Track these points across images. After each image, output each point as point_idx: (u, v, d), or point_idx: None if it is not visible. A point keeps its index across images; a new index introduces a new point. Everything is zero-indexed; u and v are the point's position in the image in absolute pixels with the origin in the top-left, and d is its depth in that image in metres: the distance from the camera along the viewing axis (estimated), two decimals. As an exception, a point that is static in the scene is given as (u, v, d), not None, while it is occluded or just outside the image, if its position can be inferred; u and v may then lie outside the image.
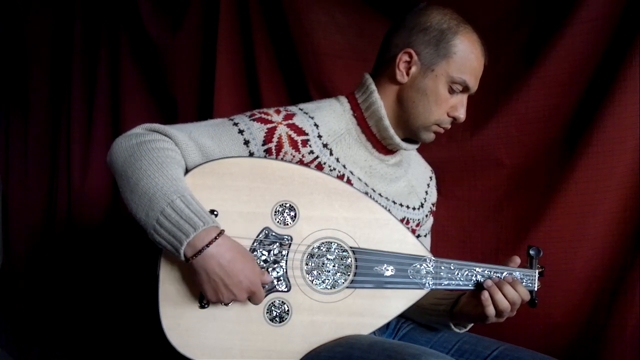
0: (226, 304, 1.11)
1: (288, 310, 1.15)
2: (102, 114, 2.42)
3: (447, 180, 1.80)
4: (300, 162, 1.21)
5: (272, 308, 1.14)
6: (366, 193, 1.25)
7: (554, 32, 1.65)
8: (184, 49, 2.22)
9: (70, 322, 2.45)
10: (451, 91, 1.22)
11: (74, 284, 2.45)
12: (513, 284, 1.18)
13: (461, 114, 1.24)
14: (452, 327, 1.30)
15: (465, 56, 1.20)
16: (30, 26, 2.63)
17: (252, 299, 1.10)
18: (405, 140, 1.30)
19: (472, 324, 1.32)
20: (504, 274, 1.21)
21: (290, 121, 1.22)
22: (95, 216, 2.41)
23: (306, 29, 1.94)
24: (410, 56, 1.21)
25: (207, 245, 1.03)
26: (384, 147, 1.31)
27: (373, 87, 1.26)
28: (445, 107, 1.23)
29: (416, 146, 1.34)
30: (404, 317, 1.42)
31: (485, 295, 1.17)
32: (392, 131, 1.26)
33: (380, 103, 1.25)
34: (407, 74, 1.22)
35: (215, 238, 1.04)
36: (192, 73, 2.23)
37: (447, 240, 1.82)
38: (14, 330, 2.72)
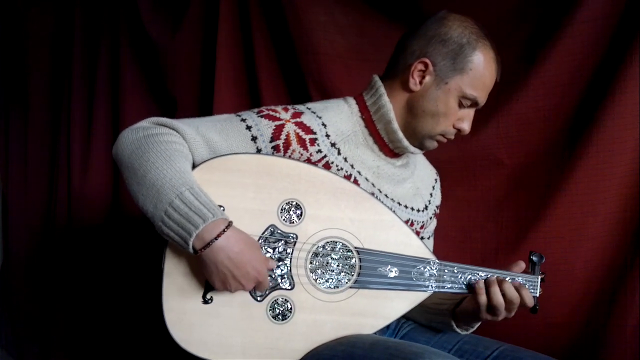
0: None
1: (291, 308, 1.15)
2: (102, 113, 2.41)
3: (447, 180, 1.79)
4: (308, 161, 1.21)
5: (275, 305, 1.14)
6: (372, 194, 1.25)
7: (554, 32, 1.65)
8: (184, 49, 2.22)
9: (71, 322, 2.45)
10: (460, 105, 1.22)
11: (74, 283, 2.44)
12: (518, 288, 1.19)
13: (466, 126, 1.24)
14: (454, 327, 1.30)
15: (480, 72, 1.20)
16: (30, 26, 2.62)
17: (258, 286, 1.11)
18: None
19: (474, 327, 1.32)
20: (507, 279, 1.21)
21: (298, 119, 1.22)
22: (95, 216, 2.40)
23: (306, 29, 1.94)
24: (426, 66, 1.21)
25: (216, 238, 1.03)
26: (391, 150, 1.30)
27: (382, 90, 1.26)
28: (452, 119, 1.23)
29: (423, 150, 1.34)
30: (404, 317, 1.42)
31: (480, 284, 1.18)
32: (400, 134, 1.25)
33: (390, 106, 1.24)
34: (420, 82, 1.22)
35: (224, 230, 1.04)
36: (192, 73, 2.23)
37: (446, 241, 1.81)
38: (14, 330, 2.72)
